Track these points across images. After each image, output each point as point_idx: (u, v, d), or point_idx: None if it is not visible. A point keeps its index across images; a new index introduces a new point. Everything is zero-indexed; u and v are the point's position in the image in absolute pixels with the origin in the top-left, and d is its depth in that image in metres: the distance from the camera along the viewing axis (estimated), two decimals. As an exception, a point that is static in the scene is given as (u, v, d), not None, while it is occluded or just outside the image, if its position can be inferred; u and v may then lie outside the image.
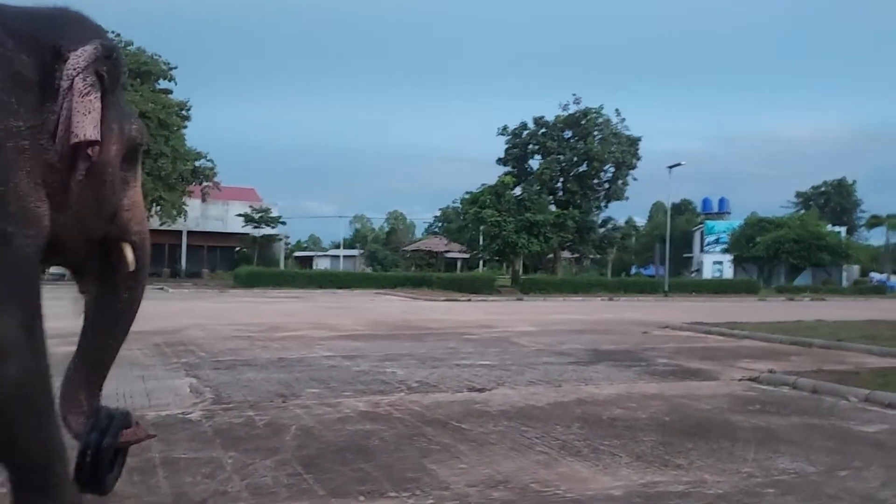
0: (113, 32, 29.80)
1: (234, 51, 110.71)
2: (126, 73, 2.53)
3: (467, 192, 32.14)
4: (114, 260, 2.53)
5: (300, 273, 32.12)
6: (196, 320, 12.40)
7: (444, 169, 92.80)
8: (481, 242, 31.02)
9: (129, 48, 30.00)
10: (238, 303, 18.89)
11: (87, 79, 2.15)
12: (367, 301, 21.69)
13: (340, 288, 29.60)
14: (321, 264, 62.67)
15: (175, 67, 31.55)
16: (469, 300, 23.89)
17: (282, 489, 3.21)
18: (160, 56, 30.95)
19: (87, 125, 2.11)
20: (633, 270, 57.63)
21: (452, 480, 3.39)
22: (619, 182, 32.85)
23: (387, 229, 75.55)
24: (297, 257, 57.83)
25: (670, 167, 30.01)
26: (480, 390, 6.01)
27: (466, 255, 39.37)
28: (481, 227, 29.96)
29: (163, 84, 31.89)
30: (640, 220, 65.34)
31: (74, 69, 2.14)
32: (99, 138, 2.15)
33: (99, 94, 2.17)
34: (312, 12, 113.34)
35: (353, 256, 61.31)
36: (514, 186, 31.95)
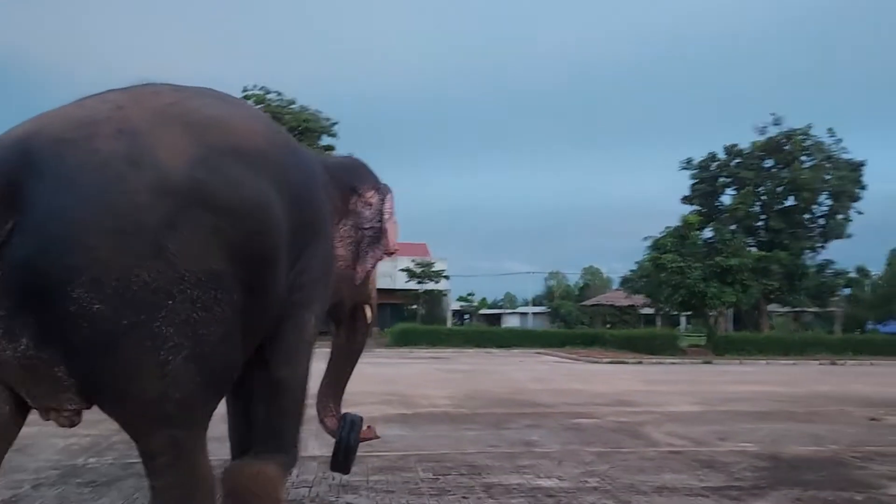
0: (275, 92, 30.42)
1: (445, 124, 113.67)
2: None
3: (646, 237, 27.63)
4: (359, 315, 3.82)
5: (455, 330, 29.60)
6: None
7: (642, 223, 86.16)
8: (664, 293, 26.46)
9: (291, 107, 30.28)
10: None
11: (393, 211, 3.55)
12: (507, 363, 18.47)
13: (500, 347, 26.62)
14: (510, 322, 60.20)
15: (336, 123, 31.30)
16: (640, 363, 19.73)
17: None
18: (321, 112, 30.85)
19: (395, 242, 3.53)
20: (870, 327, 47.83)
21: None
22: (839, 217, 26.47)
23: (581, 285, 71.48)
24: (483, 315, 55.41)
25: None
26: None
27: (653, 309, 34.52)
28: (661, 276, 25.50)
29: (326, 140, 31.80)
30: (875, 269, 54.97)
31: (389, 205, 3.54)
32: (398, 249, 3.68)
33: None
34: (503, 83, 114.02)
35: (542, 314, 58.22)
36: (703, 227, 27.07)
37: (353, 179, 3.55)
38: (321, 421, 3.75)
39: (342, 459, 3.62)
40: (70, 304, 2.09)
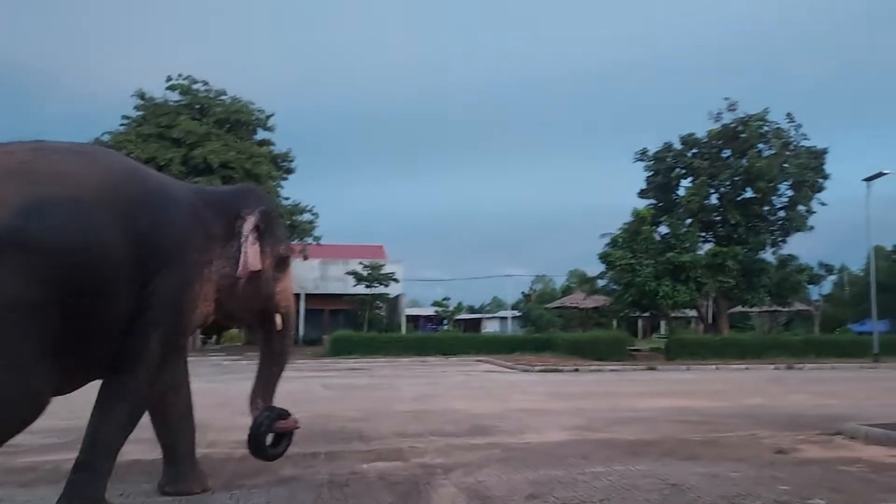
0: (202, 82, 28.20)
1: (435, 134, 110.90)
2: (278, 217, 4.74)
3: (604, 234, 25.56)
4: (271, 323, 4.46)
5: (394, 338, 27.43)
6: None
7: (622, 221, 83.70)
8: (616, 293, 24.59)
9: (220, 98, 28.22)
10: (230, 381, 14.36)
11: (254, 234, 4.08)
12: (424, 375, 16.45)
13: (444, 354, 24.64)
14: (491, 327, 58.24)
15: (271, 115, 29.27)
16: (576, 370, 17.81)
17: None
18: (254, 104, 28.77)
19: (254, 261, 4.03)
20: (857, 329, 45.74)
21: None
22: (799, 208, 24.52)
23: (564, 287, 69.73)
24: (460, 320, 53.23)
25: (868, 179, 21.72)
26: None
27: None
28: (609, 273, 23.62)
29: (262, 134, 29.74)
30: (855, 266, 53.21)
31: (247, 230, 4.05)
32: (260, 267, 4.11)
33: (258, 242, 4.10)
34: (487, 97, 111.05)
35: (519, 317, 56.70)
36: (658, 222, 25.20)
37: (240, 205, 4.16)
38: (252, 414, 4.38)
39: (253, 443, 4.35)
40: None
